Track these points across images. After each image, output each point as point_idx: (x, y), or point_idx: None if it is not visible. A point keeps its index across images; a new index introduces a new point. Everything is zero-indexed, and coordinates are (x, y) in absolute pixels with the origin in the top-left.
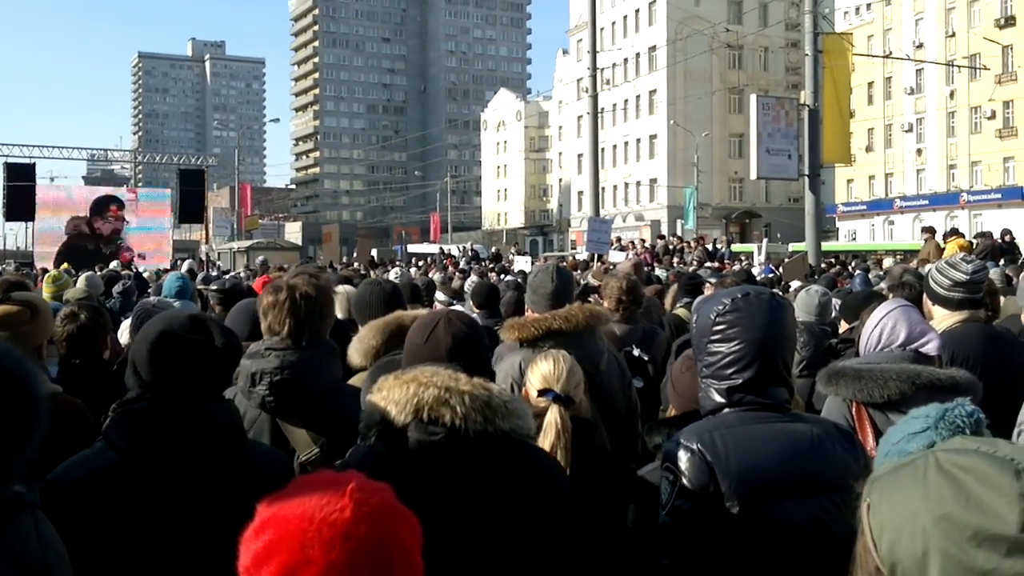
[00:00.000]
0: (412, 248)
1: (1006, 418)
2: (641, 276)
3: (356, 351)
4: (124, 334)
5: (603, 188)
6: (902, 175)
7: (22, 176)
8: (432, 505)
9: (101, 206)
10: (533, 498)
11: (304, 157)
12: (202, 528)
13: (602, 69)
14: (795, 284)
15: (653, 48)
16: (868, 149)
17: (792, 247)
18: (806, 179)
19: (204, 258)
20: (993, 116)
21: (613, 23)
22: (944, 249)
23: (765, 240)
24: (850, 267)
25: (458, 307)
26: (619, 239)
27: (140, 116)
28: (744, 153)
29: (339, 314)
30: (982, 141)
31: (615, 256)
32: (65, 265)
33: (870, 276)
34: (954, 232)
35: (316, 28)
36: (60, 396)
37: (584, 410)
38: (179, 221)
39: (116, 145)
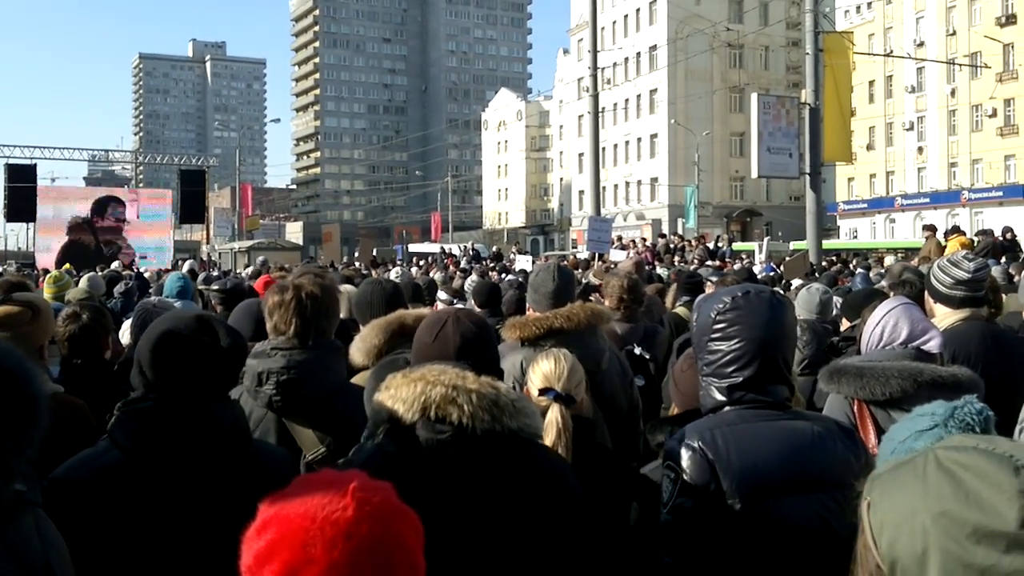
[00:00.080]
0: (413, 248)
1: (1007, 416)
2: (642, 275)
3: (358, 350)
4: (125, 334)
5: (604, 187)
6: (903, 173)
7: (23, 177)
8: (439, 503)
9: (101, 207)
10: (540, 497)
11: (305, 157)
12: (206, 528)
13: (603, 68)
14: (796, 282)
15: (654, 47)
16: (869, 147)
17: (793, 245)
18: (807, 177)
19: (205, 258)
20: (994, 114)
21: (614, 22)
22: (945, 247)
23: (766, 238)
24: (851, 265)
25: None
26: (620, 238)
27: (141, 117)
28: (745, 152)
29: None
30: (983, 139)
31: (616, 255)
32: (67, 266)
33: (871, 274)
34: (955, 230)
35: (317, 28)
36: (62, 396)
37: (585, 409)
38: (180, 222)
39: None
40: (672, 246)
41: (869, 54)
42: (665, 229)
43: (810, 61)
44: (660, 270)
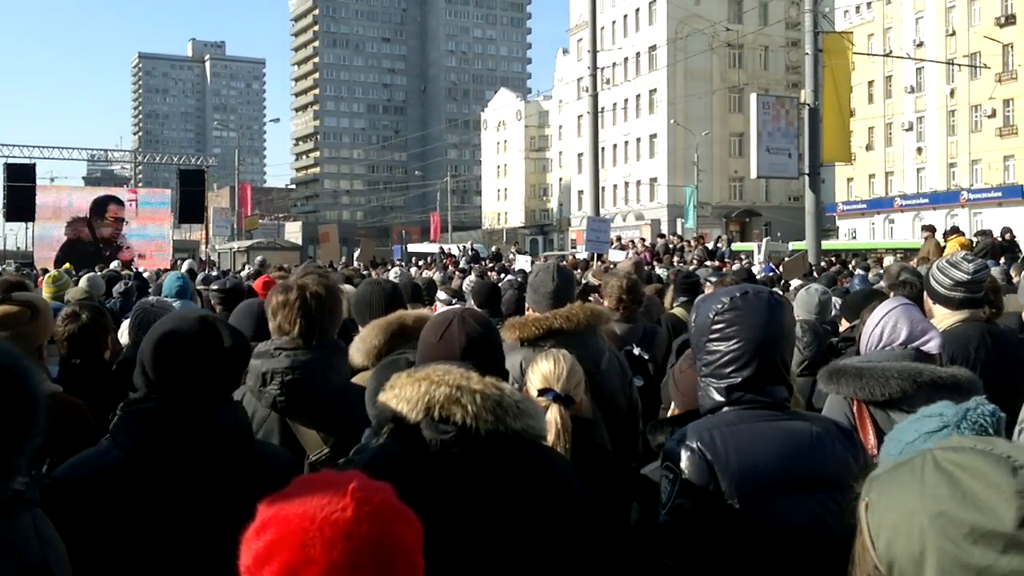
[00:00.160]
0: (412, 248)
1: (1006, 417)
2: (641, 275)
3: (358, 351)
4: (123, 334)
5: (603, 187)
6: (902, 173)
7: (22, 177)
8: (442, 503)
9: (100, 206)
10: (543, 498)
11: (304, 157)
12: (208, 529)
13: (602, 68)
14: (795, 283)
15: (653, 47)
16: (868, 148)
17: (792, 246)
18: (806, 178)
19: (204, 258)
20: (993, 115)
21: (613, 22)
22: (944, 247)
23: (766, 239)
24: (850, 266)
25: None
26: (619, 238)
27: (140, 116)
28: (744, 152)
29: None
30: (982, 139)
31: (615, 255)
32: (67, 265)
33: (870, 275)
34: (955, 230)
35: (316, 28)
36: (61, 396)
37: (585, 409)
38: (179, 221)
39: (116, 145)
40: (671, 246)
41: (868, 54)
42: (664, 229)
43: (809, 61)
44: (660, 270)
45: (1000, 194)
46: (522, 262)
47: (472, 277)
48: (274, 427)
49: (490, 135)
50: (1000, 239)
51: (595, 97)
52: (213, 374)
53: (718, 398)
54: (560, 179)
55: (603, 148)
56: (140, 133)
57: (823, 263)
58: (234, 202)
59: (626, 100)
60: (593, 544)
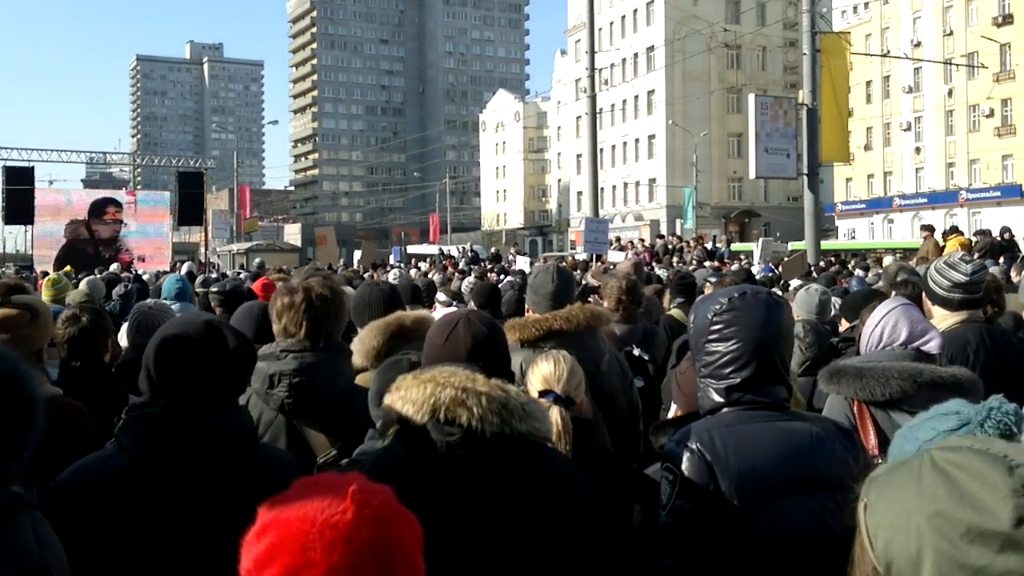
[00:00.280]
0: (411, 249)
1: None
2: (641, 276)
3: (357, 352)
4: (123, 337)
5: (602, 188)
6: (901, 173)
7: (21, 180)
8: (448, 505)
9: (99, 208)
10: (548, 500)
11: (303, 159)
12: (212, 534)
13: (600, 69)
14: (795, 283)
15: (651, 48)
16: (867, 148)
17: (791, 246)
18: (805, 178)
19: (204, 260)
20: (991, 114)
21: (611, 23)
22: (943, 247)
23: (762, 239)
24: (850, 266)
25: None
26: (618, 239)
27: (138, 119)
28: (743, 152)
29: None
30: (980, 139)
31: (614, 256)
32: (68, 268)
33: (870, 275)
34: (954, 230)
35: (314, 30)
36: (61, 398)
37: (585, 411)
38: (178, 223)
39: (115, 148)
40: (670, 247)
41: (866, 54)
42: (663, 230)
43: (807, 62)
44: (660, 271)
45: (999, 193)
46: (521, 263)
47: (471, 278)
48: (281, 429)
49: (489, 136)
50: (999, 238)
51: (593, 98)
52: (218, 379)
53: (717, 399)
54: (559, 180)
55: (602, 149)
56: (138, 136)
57: (822, 263)
58: (233, 204)
59: (624, 101)
60: (598, 546)
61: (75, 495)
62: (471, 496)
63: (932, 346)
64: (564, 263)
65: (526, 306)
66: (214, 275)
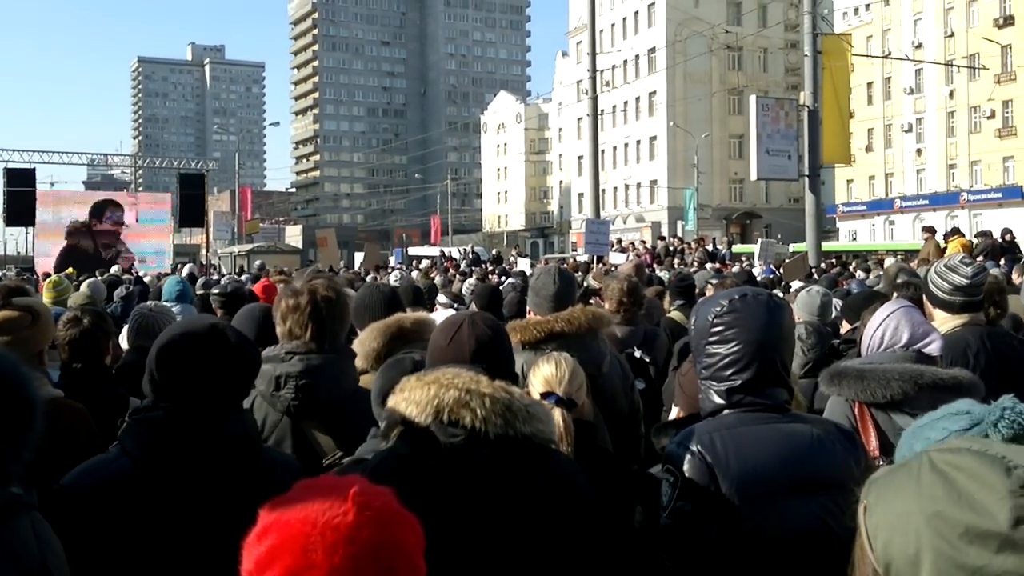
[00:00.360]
0: (413, 251)
1: None
2: (642, 278)
3: (357, 354)
4: (123, 339)
5: (603, 190)
6: (902, 175)
7: (22, 181)
8: (451, 506)
9: (99, 211)
10: (552, 502)
11: (304, 160)
12: (215, 538)
13: (602, 71)
14: (796, 284)
15: (652, 50)
16: (868, 149)
17: (793, 247)
18: (806, 179)
19: (205, 262)
20: (992, 116)
21: (612, 25)
22: (945, 248)
23: (760, 240)
24: (851, 267)
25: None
26: (619, 240)
27: (140, 121)
28: (744, 154)
29: None
30: (982, 141)
31: (616, 258)
32: (70, 270)
33: (871, 277)
34: (955, 232)
35: (316, 32)
36: (62, 400)
37: (587, 412)
38: (179, 226)
39: (116, 150)
40: (672, 249)
41: (867, 56)
42: (664, 232)
43: (809, 63)
44: (661, 273)
45: (1000, 195)
46: (522, 265)
47: (472, 280)
48: (286, 431)
49: (490, 138)
50: (1000, 240)
51: (595, 100)
52: (222, 382)
53: (718, 401)
54: (560, 182)
55: (603, 151)
56: (140, 137)
57: (823, 265)
58: (234, 206)
59: (626, 102)
60: (600, 548)
61: (79, 499)
62: (474, 497)
63: (933, 348)
64: (565, 265)
65: (527, 308)
66: (215, 277)
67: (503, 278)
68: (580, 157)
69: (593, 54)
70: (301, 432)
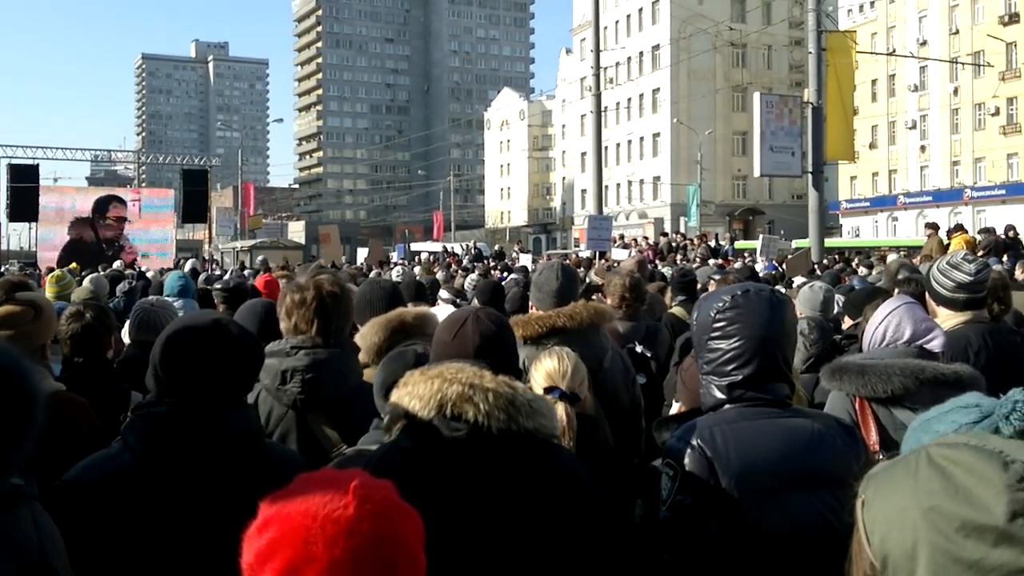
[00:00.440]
0: (415, 246)
1: None
2: (644, 273)
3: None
4: (125, 334)
5: (606, 186)
6: (906, 172)
7: (25, 177)
8: (454, 500)
9: (102, 206)
10: (554, 497)
11: (307, 157)
12: (217, 534)
13: (605, 68)
14: (798, 280)
15: (656, 47)
16: (872, 146)
17: (795, 244)
18: (809, 176)
19: (207, 257)
20: (997, 113)
21: (616, 22)
22: (948, 245)
23: (763, 235)
24: (853, 263)
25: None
26: (622, 236)
27: (143, 117)
28: (747, 151)
29: None
30: (986, 137)
31: (618, 254)
32: (74, 265)
33: (873, 274)
34: (958, 228)
35: (319, 29)
36: (64, 394)
37: (588, 407)
38: (182, 221)
39: (120, 146)
40: (674, 245)
41: (872, 53)
42: (667, 228)
43: (813, 60)
44: (665, 269)
45: (1003, 192)
46: (524, 260)
47: (474, 276)
48: (291, 425)
49: (493, 134)
50: (1003, 236)
51: (598, 96)
52: (226, 378)
53: (719, 396)
54: (563, 178)
55: (606, 147)
56: (143, 134)
57: (826, 261)
58: (237, 202)
59: (629, 99)
60: (601, 543)
61: (81, 494)
62: (477, 492)
63: (935, 344)
64: (568, 261)
65: (530, 303)
66: (217, 272)
67: (505, 274)
68: (583, 153)
69: (597, 51)
70: (306, 426)
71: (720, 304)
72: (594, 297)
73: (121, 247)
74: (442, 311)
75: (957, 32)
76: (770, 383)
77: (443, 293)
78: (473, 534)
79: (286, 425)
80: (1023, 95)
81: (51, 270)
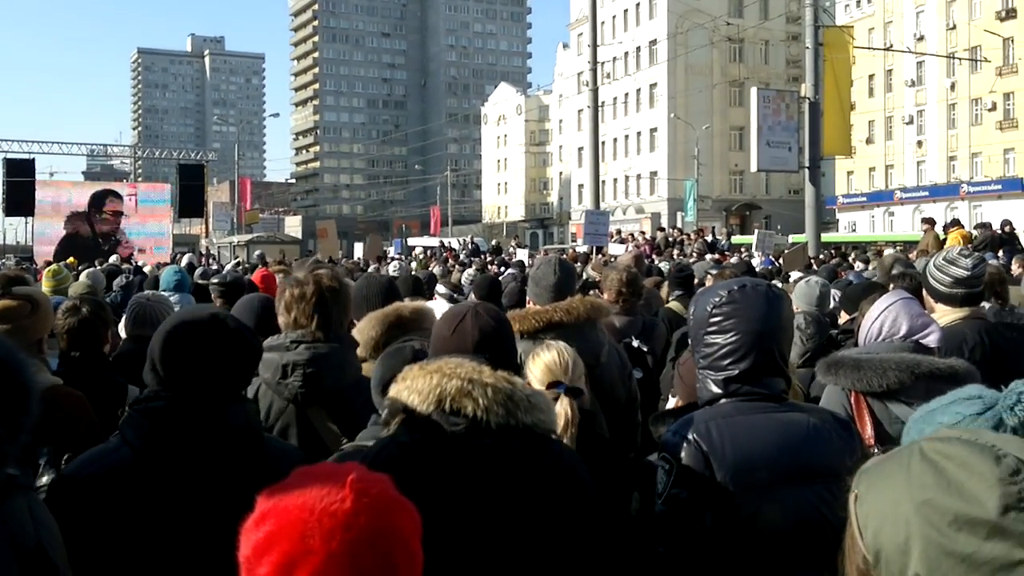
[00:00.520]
0: (412, 241)
1: None
2: (641, 268)
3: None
4: (122, 328)
5: (603, 181)
6: (902, 167)
7: (21, 171)
8: (452, 494)
9: (98, 201)
10: (552, 492)
11: (304, 152)
12: (215, 528)
13: (602, 63)
14: (795, 275)
15: (654, 42)
16: (868, 141)
17: (792, 239)
18: (806, 171)
19: (204, 252)
20: (994, 108)
21: (614, 17)
22: (945, 240)
23: (758, 230)
24: (850, 258)
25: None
26: (619, 231)
27: (140, 112)
28: (744, 146)
29: None
30: (982, 133)
31: (615, 249)
32: (71, 260)
33: (870, 267)
34: (955, 223)
35: (316, 23)
36: (61, 388)
37: (585, 401)
38: (179, 216)
39: (116, 140)
40: (671, 240)
41: (869, 48)
42: (664, 223)
43: (810, 55)
44: (662, 264)
45: (1000, 187)
46: (520, 255)
47: (471, 271)
48: (292, 419)
49: (490, 129)
50: (1000, 232)
51: (595, 91)
52: (224, 372)
53: (716, 390)
54: (560, 173)
55: (603, 142)
56: (139, 128)
57: (823, 256)
58: (234, 196)
59: (626, 94)
60: (599, 539)
61: (80, 488)
62: (475, 486)
63: (931, 340)
64: (565, 256)
65: (527, 298)
66: (214, 267)
67: (502, 268)
68: (580, 148)
69: (594, 46)
70: (306, 420)
71: (717, 299)
72: (592, 293)
73: (118, 241)
74: (438, 306)
75: (954, 27)
76: (766, 377)
77: (440, 288)
78: (471, 528)
79: (286, 419)
80: (1020, 90)
81: (48, 264)
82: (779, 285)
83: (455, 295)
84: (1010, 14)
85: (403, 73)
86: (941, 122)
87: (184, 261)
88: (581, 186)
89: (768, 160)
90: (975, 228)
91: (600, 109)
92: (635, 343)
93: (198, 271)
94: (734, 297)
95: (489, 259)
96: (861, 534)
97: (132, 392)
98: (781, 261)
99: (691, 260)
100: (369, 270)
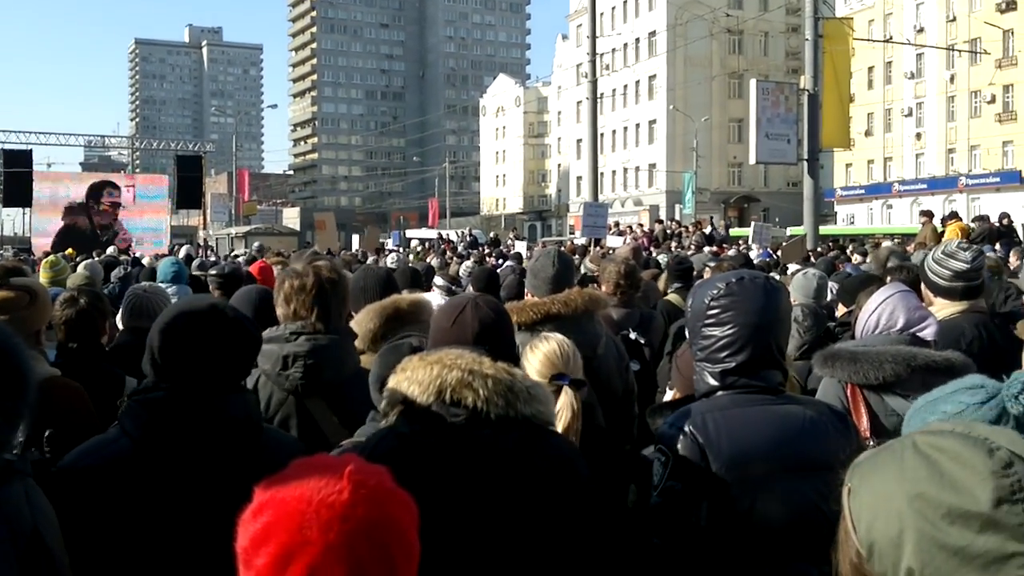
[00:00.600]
0: (410, 233)
1: None
2: (639, 260)
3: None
4: (118, 320)
5: (602, 173)
6: (901, 159)
7: (19, 163)
8: (451, 485)
9: (96, 192)
10: (550, 483)
11: (302, 143)
12: (214, 519)
13: (601, 54)
14: (793, 267)
15: (653, 33)
16: (867, 133)
17: (790, 231)
18: (805, 163)
19: (202, 243)
20: (993, 100)
21: (613, 8)
22: (943, 233)
23: (755, 222)
24: (848, 251)
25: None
26: (617, 224)
27: (137, 102)
28: (743, 138)
29: None
30: (981, 125)
31: (613, 241)
32: (70, 251)
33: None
34: (953, 216)
35: (314, 14)
36: (59, 379)
37: (584, 393)
38: (176, 207)
39: (113, 131)
40: (669, 232)
41: (868, 40)
42: (663, 215)
43: (809, 47)
44: (658, 256)
45: (998, 179)
46: (519, 247)
47: (469, 263)
48: (292, 410)
49: (489, 121)
50: (998, 224)
51: (594, 83)
52: (223, 363)
53: (712, 382)
54: (559, 165)
55: (602, 134)
56: (137, 119)
57: (821, 248)
58: (232, 188)
59: (625, 86)
60: (596, 531)
61: (78, 479)
62: (474, 477)
63: (928, 332)
64: (563, 248)
65: (526, 290)
66: (212, 258)
67: (500, 261)
68: (579, 140)
69: (593, 37)
70: (306, 411)
71: (714, 291)
72: (590, 287)
73: (115, 233)
74: (436, 298)
75: (954, 19)
76: (763, 370)
77: (438, 280)
78: (469, 520)
79: (286, 410)
80: (1019, 83)
81: (46, 255)
82: (777, 277)
83: (453, 287)
84: (1010, 6)
85: (401, 64)
86: (940, 114)
87: (182, 252)
88: (579, 178)
89: (767, 152)
90: (973, 221)
91: (599, 101)
92: (632, 335)
93: (195, 262)
94: (732, 290)
95: (487, 251)
96: (854, 528)
97: (130, 383)
98: (780, 253)
99: (689, 252)
100: (367, 262)
